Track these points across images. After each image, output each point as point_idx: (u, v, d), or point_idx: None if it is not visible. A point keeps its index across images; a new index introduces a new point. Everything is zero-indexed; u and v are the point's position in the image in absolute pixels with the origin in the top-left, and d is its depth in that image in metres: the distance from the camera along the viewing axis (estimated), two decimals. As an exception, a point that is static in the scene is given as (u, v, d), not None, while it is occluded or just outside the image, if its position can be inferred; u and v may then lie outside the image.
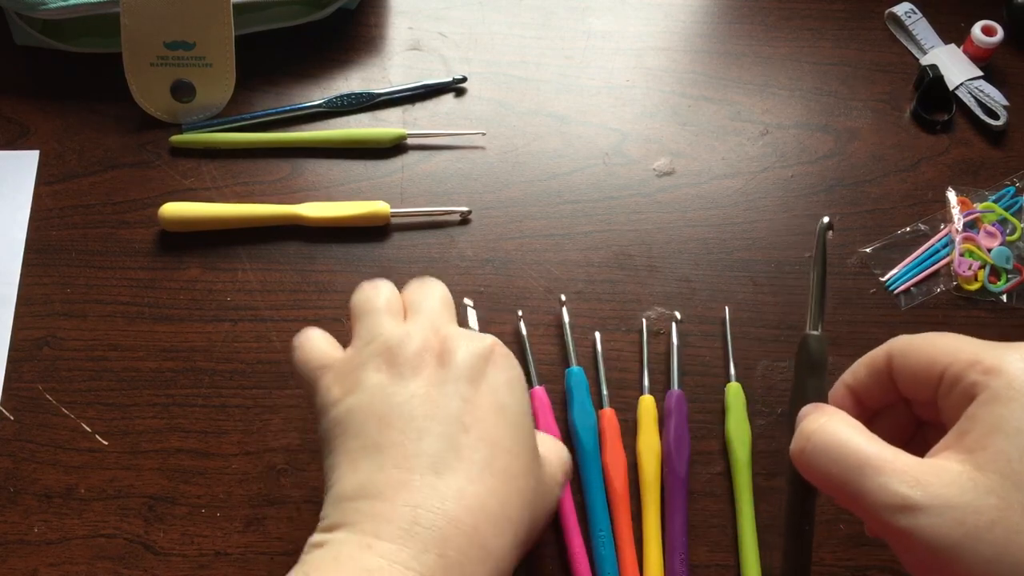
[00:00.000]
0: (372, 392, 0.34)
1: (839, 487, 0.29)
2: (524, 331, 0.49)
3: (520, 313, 0.50)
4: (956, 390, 0.28)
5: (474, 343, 0.36)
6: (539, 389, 0.47)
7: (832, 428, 0.30)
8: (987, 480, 0.26)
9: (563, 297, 0.50)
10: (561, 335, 0.49)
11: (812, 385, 0.34)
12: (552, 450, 0.39)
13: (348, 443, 0.34)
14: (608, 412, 0.47)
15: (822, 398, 0.34)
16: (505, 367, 0.36)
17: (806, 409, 0.32)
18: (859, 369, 0.33)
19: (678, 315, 0.50)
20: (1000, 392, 0.27)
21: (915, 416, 0.33)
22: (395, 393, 0.34)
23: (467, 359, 0.35)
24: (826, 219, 0.36)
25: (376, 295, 0.38)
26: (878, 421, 0.34)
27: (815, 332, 0.35)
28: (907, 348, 0.31)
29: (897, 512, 0.27)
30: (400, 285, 0.50)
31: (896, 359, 0.31)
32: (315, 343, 0.38)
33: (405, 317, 0.38)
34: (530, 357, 0.48)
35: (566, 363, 0.48)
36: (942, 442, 0.28)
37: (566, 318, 0.49)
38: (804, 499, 0.34)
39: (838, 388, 0.34)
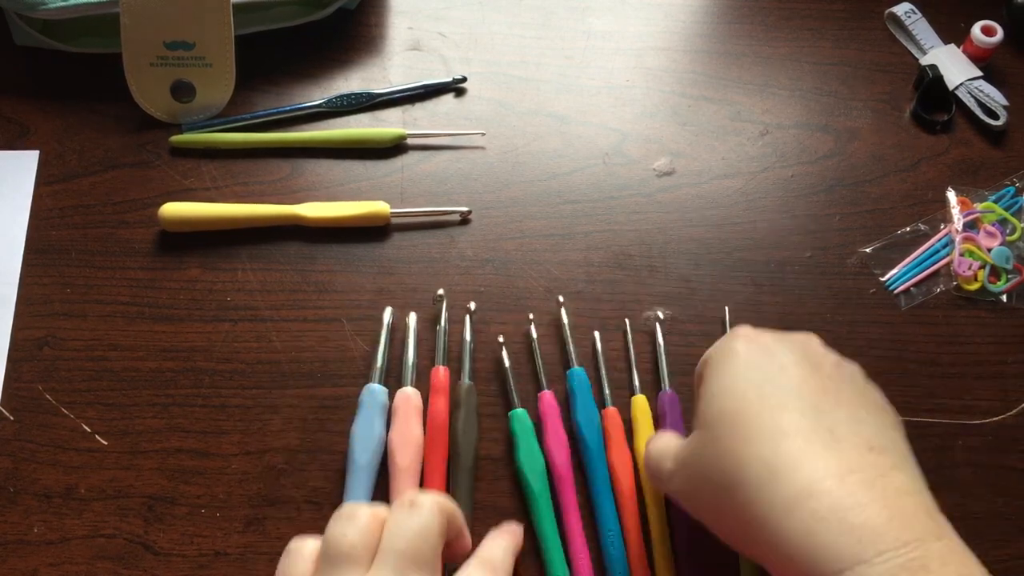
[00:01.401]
0: None
1: (654, 480, 0.40)
2: (535, 334, 0.49)
3: (531, 316, 0.50)
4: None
5: None
6: (547, 393, 0.47)
7: (652, 442, 0.41)
8: (698, 436, 0.36)
9: (561, 298, 0.50)
10: (561, 335, 0.49)
11: None
12: None
13: None
14: (612, 411, 0.47)
15: None
16: None
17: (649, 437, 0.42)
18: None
19: (660, 315, 0.50)
20: (705, 372, 0.38)
21: None
22: None
23: None
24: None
25: (344, 535, 0.34)
26: None
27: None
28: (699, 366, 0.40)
29: (670, 481, 0.38)
30: (400, 285, 0.51)
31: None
32: (293, 569, 0.35)
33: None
34: (539, 360, 0.48)
35: (566, 363, 0.48)
36: None
37: (565, 319, 0.49)
38: None
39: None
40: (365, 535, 0.33)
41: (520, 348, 0.50)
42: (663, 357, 0.49)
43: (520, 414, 0.46)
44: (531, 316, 0.50)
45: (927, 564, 0.29)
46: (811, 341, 0.38)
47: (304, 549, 0.35)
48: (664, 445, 0.39)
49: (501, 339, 0.49)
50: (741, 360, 0.36)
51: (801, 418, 0.33)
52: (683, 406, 0.47)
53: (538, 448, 0.45)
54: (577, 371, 0.47)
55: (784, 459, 0.32)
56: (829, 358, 0.37)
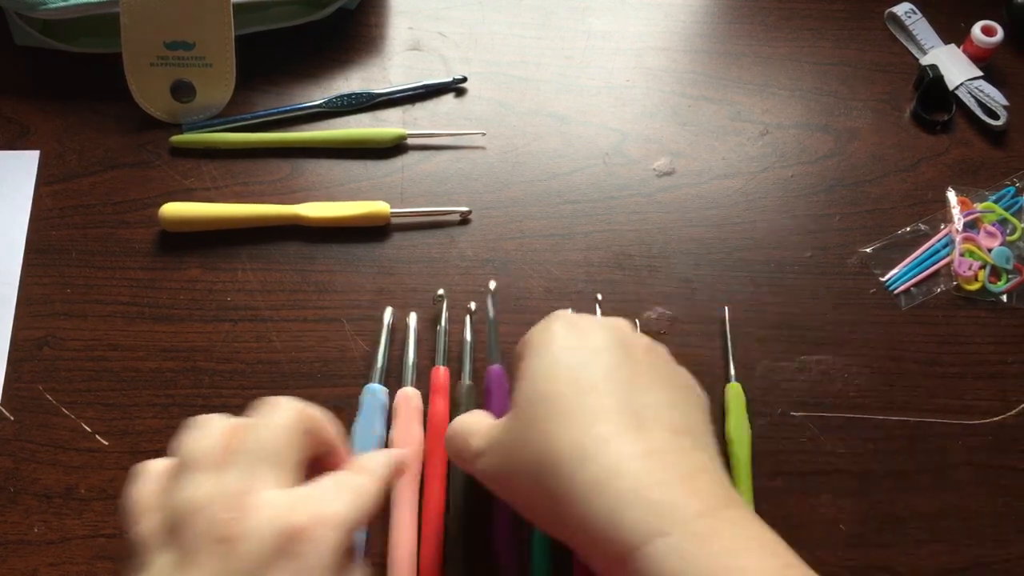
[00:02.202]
0: None
1: (456, 456, 0.40)
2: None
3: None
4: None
5: (273, 525, 0.30)
6: None
7: (458, 420, 0.40)
8: (512, 418, 0.36)
9: (599, 296, 0.51)
10: None
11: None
12: None
13: None
14: None
15: None
16: (301, 557, 0.30)
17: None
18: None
19: (492, 284, 0.50)
20: (524, 353, 0.38)
21: None
22: None
23: (253, 550, 0.29)
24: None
25: (195, 441, 0.33)
26: None
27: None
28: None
29: (475, 460, 0.38)
30: (401, 285, 0.51)
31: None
32: (142, 489, 0.33)
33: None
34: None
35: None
36: None
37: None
38: None
39: None
40: (216, 440, 0.33)
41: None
42: None
43: None
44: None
45: (718, 529, 0.31)
46: (624, 325, 0.39)
47: (150, 468, 0.34)
48: (472, 422, 0.39)
49: None
50: (558, 344, 0.37)
51: (612, 401, 0.35)
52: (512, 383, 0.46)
53: None
54: None
55: (593, 441, 0.33)
56: (640, 341, 0.39)
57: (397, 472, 0.38)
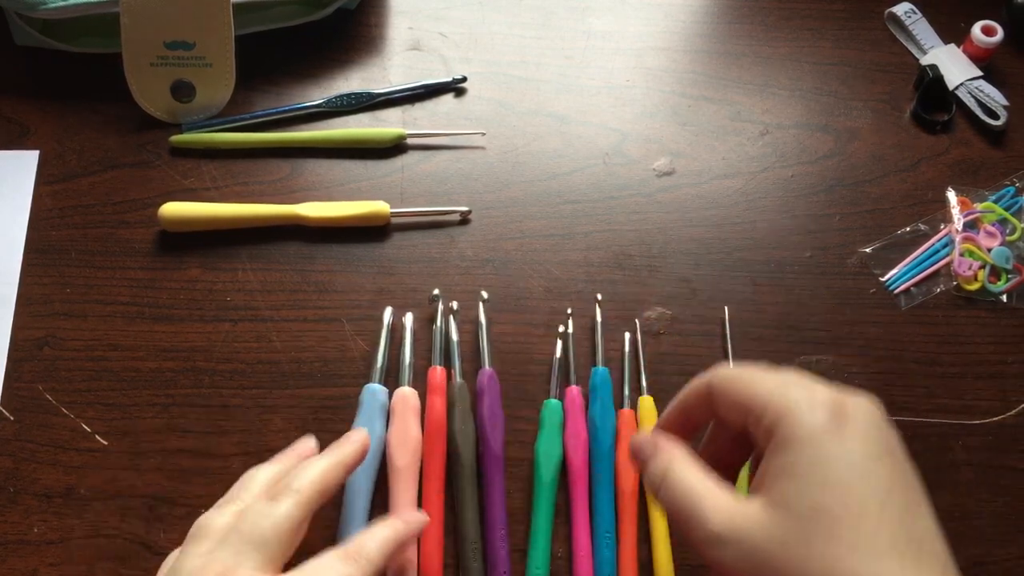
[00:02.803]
0: None
1: (681, 522, 0.34)
2: (571, 329, 0.49)
3: (569, 311, 0.50)
4: (759, 431, 0.33)
5: None
6: (574, 389, 0.47)
7: (678, 469, 0.35)
8: (774, 517, 0.31)
9: (599, 296, 0.51)
10: (592, 334, 0.50)
11: None
12: None
13: None
14: (627, 412, 0.47)
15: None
16: None
17: (646, 441, 0.36)
18: (687, 393, 0.37)
19: (484, 295, 0.50)
20: (785, 438, 0.32)
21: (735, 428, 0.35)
22: None
23: None
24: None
25: (210, 515, 0.37)
26: (707, 431, 0.37)
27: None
28: (724, 384, 0.35)
29: (712, 545, 0.32)
30: (400, 285, 0.51)
31: (715, 392, 0.35)
32: (171, 555, 0.38)
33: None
34: (572, 355, 0.49)
35: (584, 362, 0.49)
36: (754, 482, 0.33)
37: (599, 317, 0.50)
38: None
39: (672, 407, 0.38)
40: (226, 518, 0.36)
41: (519, 347, 0.50)
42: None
43: (554, 405, 0.47)
44: (569, 311, 0.50)
45: None
46: (880, 413, 0.34)
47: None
48: (708, 491, 0.34)
49: (561, 329, 0.49)
50: (832, 442, 0.32)
51: (893, 529, 0.31)
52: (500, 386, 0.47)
53: (559, 441, 0.46)
54: (600, 370, 0.48)
55: None
56: (894, 434, 0.33)
57: (402, 548, 0.40)
